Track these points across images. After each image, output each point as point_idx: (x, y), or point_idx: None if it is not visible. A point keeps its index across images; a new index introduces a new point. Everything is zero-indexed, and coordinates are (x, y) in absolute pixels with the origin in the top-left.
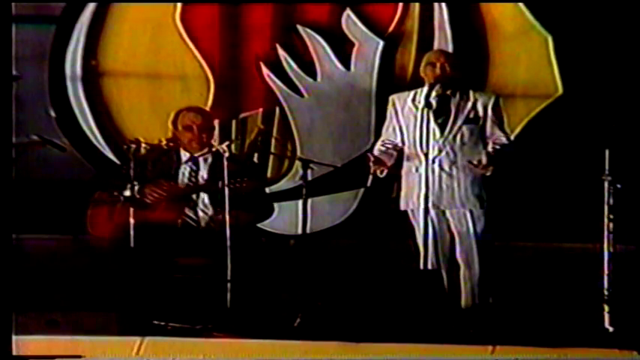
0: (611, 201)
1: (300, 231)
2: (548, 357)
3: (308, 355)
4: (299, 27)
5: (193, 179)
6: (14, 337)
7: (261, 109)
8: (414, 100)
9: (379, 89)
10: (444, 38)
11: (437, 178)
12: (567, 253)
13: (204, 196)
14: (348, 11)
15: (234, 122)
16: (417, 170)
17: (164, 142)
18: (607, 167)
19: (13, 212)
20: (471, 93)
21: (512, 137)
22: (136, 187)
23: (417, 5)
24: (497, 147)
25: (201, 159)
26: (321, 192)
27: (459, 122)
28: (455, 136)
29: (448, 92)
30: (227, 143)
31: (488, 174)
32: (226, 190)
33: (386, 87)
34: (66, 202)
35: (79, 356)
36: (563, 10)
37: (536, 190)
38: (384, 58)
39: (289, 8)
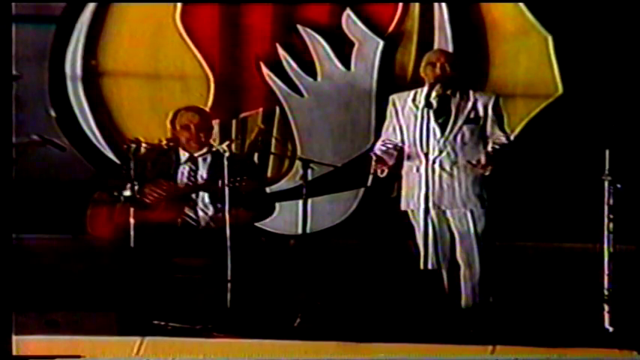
0: (611, 201)
1: (300, 231)
2: (548, 357)
3: (308, 355)
4: (299, 27)
5: (192, 179)
6: (14, 337)
7: (261, 109)
8: (414, 100)
9: (379, 89)
10: (444, 38)
11: (437, 178)
12: (567, 253)
13: (204, 196)
14: (348, 11)
15: (234, 122)
16: (417, 170)
17: (164, 142)
18: (607, 167)
19: (13, 212)
20: (471, 93)
21: (512, 137)
22: (136, 187)
23: (417, 5)
24: (497, 147)
25: (200, 158)
26: (321, 192)
27: (460, 122)
28: (455, 136)
29: (448, 92)
30: (227, 143)
31: (487, 173)
32: (226, 189)
33: (386, 87)
34: (66, 202)
35: (79, 356)
36: (563, 10)
37: (536, 190)
38: (384, 58)
39: (289, 8)
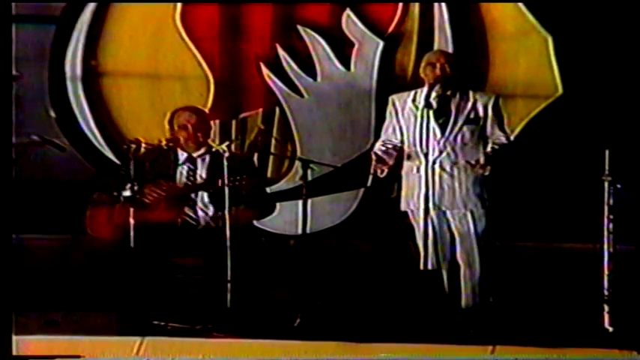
0: (611, 201)
1: (300, 231)
2: (548, 357)
3: (308, 355)
4: (299, 27)
5: (191, 178)
6: (14, 337)
7: (261, 109)
8: (414, 100)
9: (379, 89)
10: (444, 38)
11: (437, 179)
12: (567, 253)
13: (203, 196)
14: (348, 11)
15: (234, 122)
16: (417, 170)
17: (164, 143)
18: (607, 167)
19: (13, 212)
20: (471, 93)
21: (512, 137)
22: (136, 188)
23: (417, 5)
24: (497, 147)
25: (199, 159)
26: (321, 192)
27: (460, 122)
28: (455, 137)
29: (448, 92)
30: (227, 143)
31: (486, 173)
32: (226, 189)
33: (386, 87)
34: (66, 202)
35: (79, 356)
36: (563, 10)
37: (536, 191)
38: (384, 58)
39: (289, 8)
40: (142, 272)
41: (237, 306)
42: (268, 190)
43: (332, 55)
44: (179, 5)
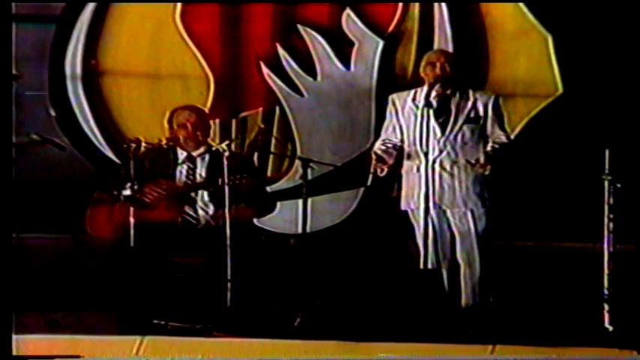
0: (611, 201)
1: (300, 230)
2: (548, 357)
3: (308, 355)
4: (299, 27)
5: (191, 177)
6: (14, 337)
7: (261, 109)
8: (414, 99)
9: (379, 89)
10: (444, 38)
11: (437, 178)
12: (567, 253)
13: (203, 195)
14: (348, 11)
15: (234, 121)
16: (417, 170)
17: (164, 142)
18: (607, 167)
19: (13, 212)
20: (471, 92)
21: (512, 136)
22: (136, 187)
23: (417, 5)
24: (497, 146)
25: (198, 157)
26: (321, 191)
27: (460, 122)
28: (455, 136)
29: (448, 92)
30: (227, 142)
31: (486, 173)
32: (226, 188)
33: (386, 87)
34: (66, 202)
35: (79, 356)
36: (563, 10)
37: (536, 190)
38: (384, 58)
39: (289, 8)
40: (142, 271)
41: (237, 305)
42: (268, 189)
43: (332, 54)
44: (179, 5)
